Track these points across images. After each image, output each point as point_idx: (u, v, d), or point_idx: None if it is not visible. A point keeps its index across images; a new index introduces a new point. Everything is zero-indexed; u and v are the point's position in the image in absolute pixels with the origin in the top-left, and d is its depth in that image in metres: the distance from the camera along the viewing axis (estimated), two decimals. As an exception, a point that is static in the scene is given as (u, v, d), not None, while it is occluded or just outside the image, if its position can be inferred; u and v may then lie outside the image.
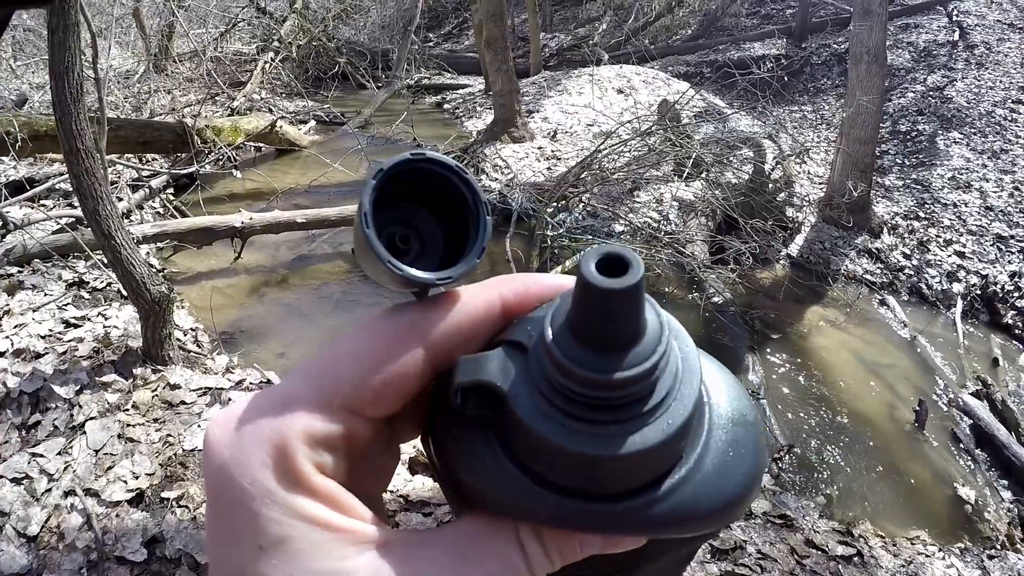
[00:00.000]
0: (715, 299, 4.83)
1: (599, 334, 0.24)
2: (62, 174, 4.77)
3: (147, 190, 5.25)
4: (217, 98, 8.20)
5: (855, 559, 2.66)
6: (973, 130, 7.54)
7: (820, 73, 9.90)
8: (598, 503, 0.25)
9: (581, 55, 11.58)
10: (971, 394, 4.12)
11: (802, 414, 3.88)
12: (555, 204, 5.63)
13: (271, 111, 8.33)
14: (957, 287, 5.58)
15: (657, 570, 0.31)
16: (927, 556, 2.75)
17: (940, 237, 6.15)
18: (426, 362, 0.28)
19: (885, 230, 6.22)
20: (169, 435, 2.62)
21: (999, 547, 2.98)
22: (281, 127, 7.01)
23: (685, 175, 5.99)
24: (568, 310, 0.25)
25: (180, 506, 2.31)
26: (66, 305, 3.44)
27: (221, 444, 0.27)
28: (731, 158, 6.54)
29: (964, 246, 6.02)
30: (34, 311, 3.33)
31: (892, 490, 3.37)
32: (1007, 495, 3.46)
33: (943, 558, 2.74)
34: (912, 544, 2.83)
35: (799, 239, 6.16)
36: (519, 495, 0.26)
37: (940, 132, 7.62)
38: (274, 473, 0.26)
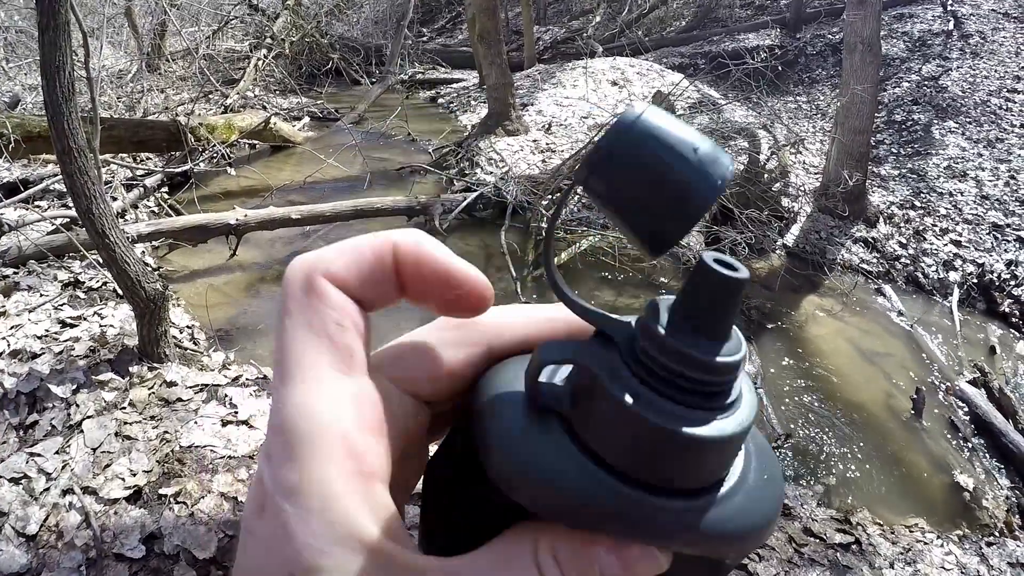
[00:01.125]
0: (711, 290, 4.83)
1: (712, 322, 0.25)
2: (56, 175, 4.76)
3: (141, 189, 5.24)
4: (211, 96, 8.19)
5: (853, 547, 2.67)
6: (968, 119, 7.54)
7: (815, 63, 9.88)
8: (662, 497, 0.25)
9: (575, 48, 11.57)
10: (968, 382, 4.13)
11: (799, 403, 3.89)
12: (550, 196, 5.63)
13: (265, 108, 8.30)
14: (953, 276, 5.59)
15: None
16: (925, 543, 2.76)
17: (936, 226, 6.15)
18: (487, 351, 0.30)
19: (881, 219, 6.23)
20: (166, 432, 2.62)
21: (997, 534, 2.99)
22: (275, 124, 6.99)
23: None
24: (673, 305, 0.26)
25: (178, 502, 2.31)
26: (62, 305, 3.44)
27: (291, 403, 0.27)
28: (726, 149, 6.52)
29: (960, 235, 6.02)
30: (30, 312, 3.33)
31: (890, 478, 3.38)
32: (1005, 482, 3.47)
33: (941, 545, 2.76)
34: (910, 532, 2.85)
35: (795, 229, 6.17)
36: (588, 486, 0.25)
37: (935, 121, 7.62)
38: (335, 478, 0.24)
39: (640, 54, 10.10)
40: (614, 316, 0.28)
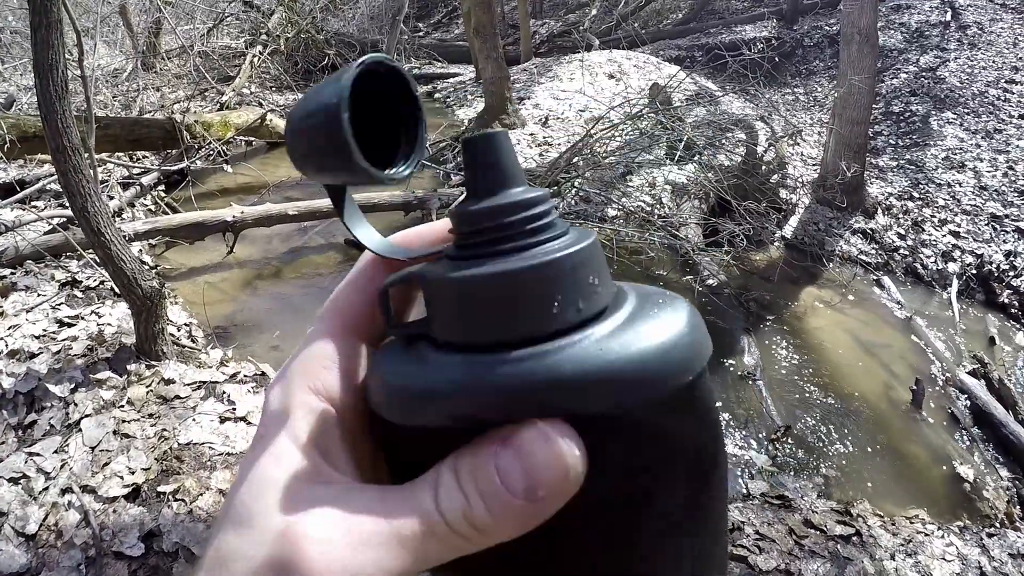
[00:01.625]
0: (710, 281, 4.83)
1: (489, 179, 0.27)
2: (52, 175, 4.75)
3: (138, 187, 5.23)
4: (206, 93, 8.17)
5: (854, 538, 2.67)
6: (966, 110, 7.53)
7: (812, 55, 9.86)
8: (512, 349, 0.24)
9: (572, 41, 11.54)
10: (968, 373, 4.13)
11: (799, 395, 3.89)
12: (547, 190, 5.62)
13: (261, 105, 8.28)
14: (952, 267, 5.59)
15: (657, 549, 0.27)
16: (926, 535, 2.76)
17: (935, 217, 6.15)
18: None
19: (879, 211, 6.22)
20: (164, 430, 2.62)
21: (998, 525, 2.99)
22: (271, 120, 6.97)
23: (677, 158, 5.98)
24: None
25: (176, 500, 2.31)
26: (59, 305, 3.43)
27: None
28: (723, 140, 6.53)
29: (959, 226, 6.02)
30: (27, 312, 3.32)
31: (890, 470, 3.38)
32: (1005, 473, 3.47)
33: (942, 536, 2.75)
34: (911, 523, 2.84)
35: (793, 220, 6.16)
36: (437, 372, 0.25)
37: (933, 113, 7.61)
38: (283, 388, 0.29)
39: (637, 47, 10.07)
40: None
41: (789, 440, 3.49)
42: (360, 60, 0.26)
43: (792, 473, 3.24)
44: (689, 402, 0.26)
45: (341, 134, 0.25)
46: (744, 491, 2.99)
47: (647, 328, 0.25)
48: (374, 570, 0.23)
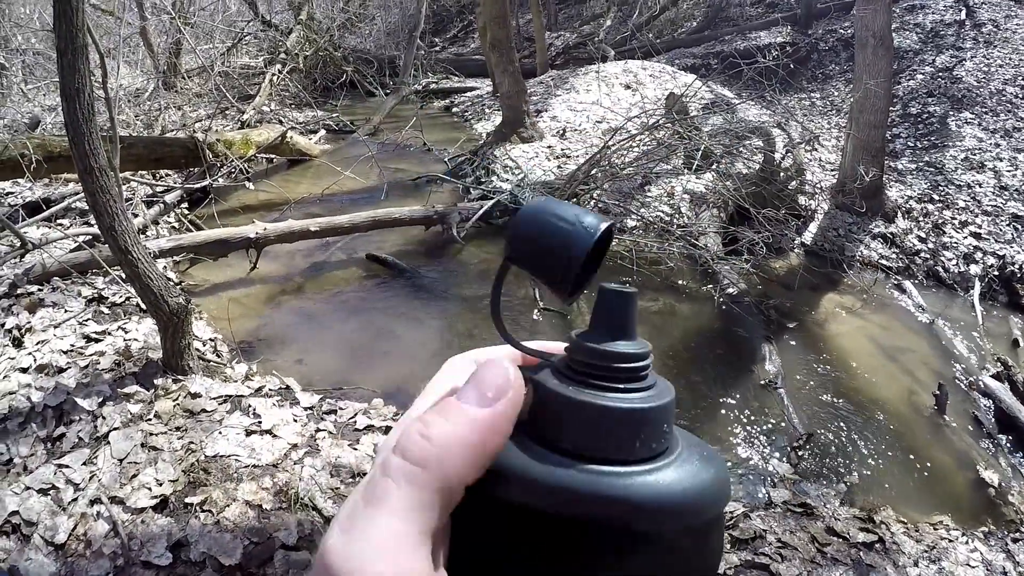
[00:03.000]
0: (730, 290, 4.82)
1: (613, 326, 0.34)
2: (77, 193, 4.85)
3: (162, 205, 5.33)
4: (227, 112, 8.30)
5: (877, 545, 2.65)
6: (984, 109, 7.45)
7: (827, 59, 9.81)
8: (600, 464, 0.30)
9: (587, 53, 11.60)
10: (992, 376, 4.07)
11: (821, 402, 3.86)
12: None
13: (281, 122, 8.41)
14: (974, 269, 5.52)
15: None
16: (950, 541, 2.73)
17: (955, 219, 6.08)
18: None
19: (899, 214, 6.17)
20: (191, 442, 2.66)
21: (1023, 530, 2.94)
22: (291, 138, 7.08)
23: (695, 167, 5.98)
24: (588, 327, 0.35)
25: (204, 510, 2.35)
26: (86, 320, 3.51)
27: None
28: (741, 148, 6.52)
29: (980, 227, 5.95)
30: (55, 327, 3.40)
31: (913, 475, 3.35)
32: (1031, 477, 3.43)
33: (967, 542, 2.72)
34: (935, 529, 2.81)
35: (812, 227, 6.13)
36: (541, 465, 0.30)
37: (951, 113, 7.53)
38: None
39: (652, 56, 10.10)
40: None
41: (811, 447, 3.46)
42: (607, 224, 0.33)
43: (814, 480, 3.21)
44: (711, 530, 0.32)
45: (569, 275, 0.33)
46: (766, 499, 2.97)
47: (696, 471, 0.32)
48: None
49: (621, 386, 0.33)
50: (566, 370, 0.34)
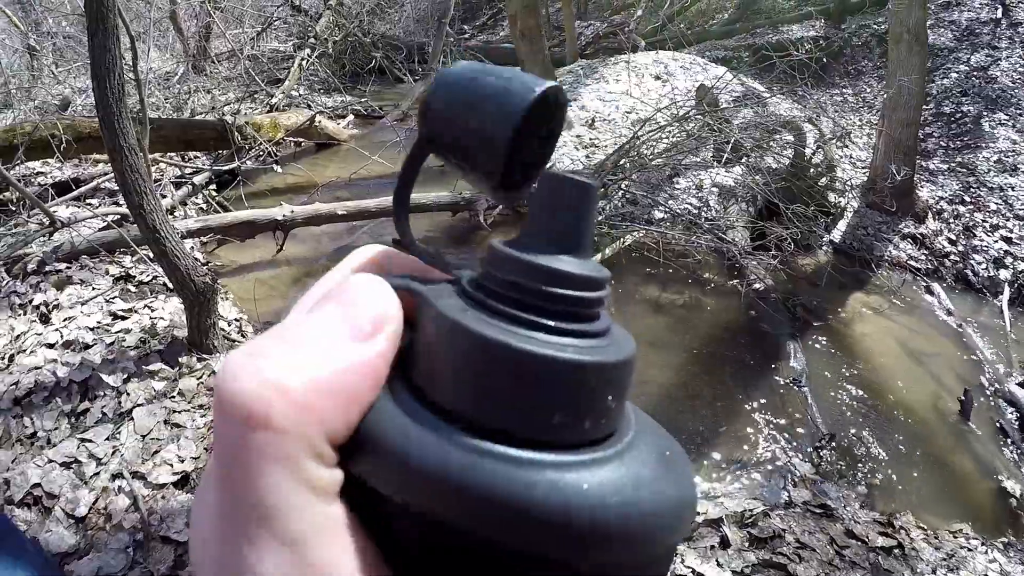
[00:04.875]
0: (756, 286, 4.77)
1: (554, 228, 0.23)
2: (107, 174, 4.92)
3: (190, 187, 5.39)
4: (256, 96, 8.35)
5: (895, 551, 2.62)
6: (1019, 111, 7.24)
7: (860, 54, 9.61)
8: (513, 447, 0.20)
9: (617, 42, 11.48)
10: (1018, 384, 3.99)
11: (844, 403, 3.81)
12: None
13: (309, 107, 8.44)
14: (1004, 274, 5.40)
15: None
16: (969, 550, 2.69)
17: (986, 222, 5.95)
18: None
19: (930, 215, 6.04)
20: (214, 420, 2.69)
21: (1044, 542, 2.89)
22: (320, 122, 7.10)
23: (724, 160, 5.91)
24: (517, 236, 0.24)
25: (223, 489, 2.38)
26: (113, 298, 3.56)
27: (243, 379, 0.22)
28: (771, 143, 6.43)
29: (1011, 231, 5.81)
30: (82, 304, 3.46)
31: (935, 482, 3.29)
32: (1054, 489, 3.35)
33: (986, 552, 2.68)
34: (954, 537, 2.77)
35: (842, 225, 6.03)
36: (401, 430, 0.21)
37: (985, 113, 7.34)
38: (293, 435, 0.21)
39: (683, 48, 9.97)
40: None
41: (833, 448, 3.42)
42: (549, 84, 0.24)
43: (835, 482, 3.18)
44: (666, 557, 0.22)
45: (498, 150, 0.23)
46: (786, 499, 2.95)
47: (652, 476, 0.21)
48: None
49: (553, 323, 0.21)
50: (475, 289, 0.23)
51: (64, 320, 3.30)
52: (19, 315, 3.35)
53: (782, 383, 3.88)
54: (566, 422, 0.21)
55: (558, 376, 0.20)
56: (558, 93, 0.25)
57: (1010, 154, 6.69)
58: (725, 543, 2.55)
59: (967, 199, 6.27)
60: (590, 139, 7.14)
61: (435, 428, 0.20)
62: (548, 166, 0.26)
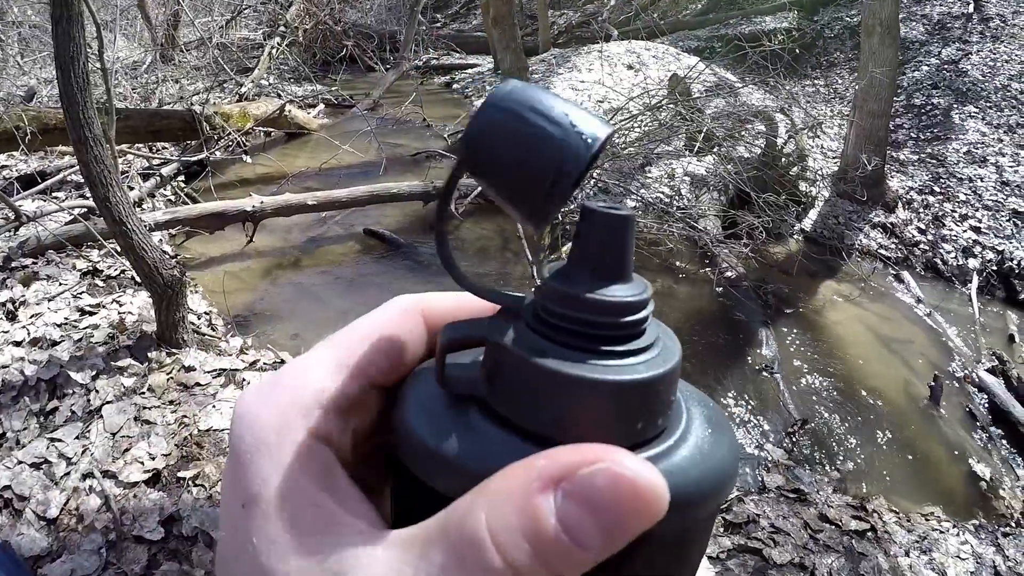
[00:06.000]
0: (728, 274, 4.81)
1: (601, 260, 0.25)
2: (73, 166, 4.79)
3: (158, 178, 5.28)
4: (225, 85, 8.21)
5: (868, 534, 2.67)
6: (989, 104, 7.40)
7: (833, 46, 9.73)
8: None
9: (590, 32, 11.46)
10: (987, 370, 4.08)
11: (817, 389, 3.87)
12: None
13: (279, 96, 8.32)
14: (973, 263, 5.52)
15: None
16: (941, 532, 2.75)
17: (955, 212, 6.07)
18: (426, 334, 0.30)
19: (900, 205, 6.15)
20: (184, 416, 2.65)
21: (1014, 524, 2.96)
22: (290, 111, 7.00)
23: (696, 149, 5.94)
24: (561, 264, 0.26)
25: (196, 485, 2.35)
26: (81, 293, 3.48)
27: (243, 401, 0.27)
28: (743, 132, 6.48)
29: (980, 221, 5.94)
30: (49, 300, 3.37)
31: (907, 466, 3.36)
32: (1022, 472, 3.44)
33: (957, 534, 2.74)
34: (926, 520, 2.83)
35: (813, 214, 6.12)
36: (501, 456, 0.23)
37: (955, 106, 7.48)
38: (273, 426, 0.25)
39: (656, 37, 9.99)
40: (513, 292, 0.28)
41: (806, 434, 3.47)
42: (609, 130, 0.24)
43: (808, 467, 3.23)
44: (716, 515, 0.27)
45: (552, 200, 0.24)
46: (760, 484, 2.99)
47: (710, 448, 0.26)
48: None
49: (622, 348, 0.25)
50: (536, 323, 0.25)
51: (31, 317, 3.21)
52: (-15, 313, 3.26)
53: (755, 370, 3.93)
54: (648, 425, 0.25)
55: (640, 392, 0.24)
56: (612, 136, 0.25)
57: (979, 146, 6.83)
58: (701, 529, 2.56)
59: (937, 189, 6.39)
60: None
61: (517, 449, 0.24)
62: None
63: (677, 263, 4.95)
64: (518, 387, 0.25)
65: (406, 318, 0.30)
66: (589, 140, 0.24)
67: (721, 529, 2.59)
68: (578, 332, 0.24)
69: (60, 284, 3.55)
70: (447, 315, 0.30)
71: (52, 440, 2.48)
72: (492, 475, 0.22)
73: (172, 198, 5.29)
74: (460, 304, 0.31)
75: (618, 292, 0.25)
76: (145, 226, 2.88)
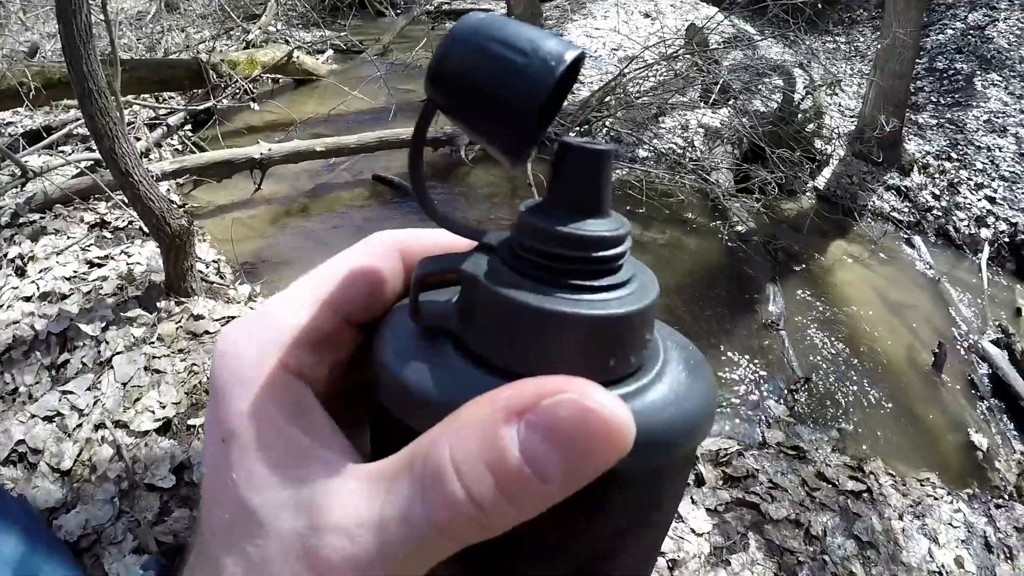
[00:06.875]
0: (738, 228, 4.78)
1: (577, 195, 0.25)
2: (78, 119, 4.76)
3: (165, 128, 5.24)
4: (232, 32, 8.06)
5: (864, 495, 2.70)
6: (1013, 74, 7.15)
7: (856, 3, 9.41)
8: None
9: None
10: (991, 342, 4.06)
11: (821, 347, 3.87)
12: (578, 128, 5.51)
13: (287, 42, 8.16)
14: (985, 232, 5.44)
15: (634, 555, 0.27)
16: (935, 499, 2.77)
17: (971, 180, 5.95)
18: (404, 271, 0.31)
19: (915, 168, 6.04)
20: (194, 364, 2.69)
21: (1007, 496, 2.98)
22: (298, 57, 6.88)
23: (712, 101, 5.83)
24: (542, 199, 0.26)
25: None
26: (89, 246, 3.50)
27: (223, 338, 0.28)
28: (760, 86, 6.35)
29: (995, 191, 5.82)
30: (57, 254, 3.39)
31: (905, 430, 3.39)
32: (1019, 446, 3.45)
33: (951, 502, 2.76)
34: (921, 485, 2.86)
35: (827, 172, 6.02)
36: (471, 391, 0.23)
37: (978, 73, 7.24)
38: (251, 362, 0.26)
39: (673, -14, 9.70)
40: (492, 230, 0.28)
41: (808, 392, 3.49)
42: (575, 53, 0.24)
43: (809, 425, 3.26)
44: (693, 456, 0.27)
45: (522, 130, 0.24)
46: (760, 439, 3.03)
47: (686, 386, 0.26)
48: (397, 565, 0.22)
49: (595, 283, 0.24)
50: (510, 258, 0.25)
51: (40, 272, 3.23)
52: (-6, 270, 3.29)
53: (761, 325, 3.93)
54: (620, 363, 0.24)
55: (613, 328, 0.24)
56: (580, 60, 0.25)
57: (1000, 115, 6.64)
58: (700, 481, 2.61)
59: (954, 156, 6.25)
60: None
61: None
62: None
63: (687, 215, 4.91)
64: (490, 322, 0.25)
65: (383, 254, 0.31)
66: (553, 63, 0.23)
67: (720, 482, 2.63)
68: (551, 267, 0.24)
69: (68, 237, 3.56)
70: (425, 252, 0.30)
71: (64, 393, 2.52)
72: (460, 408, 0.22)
73: (179, 148, 5.26)
74: (439, 241, 0.31)
75: (593, 227, 0.25)
76: (152, 176, 2.87)
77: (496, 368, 0.24)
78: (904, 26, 5.61)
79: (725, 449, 2.79)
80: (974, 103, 6.86)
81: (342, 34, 8.75)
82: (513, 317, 0.24)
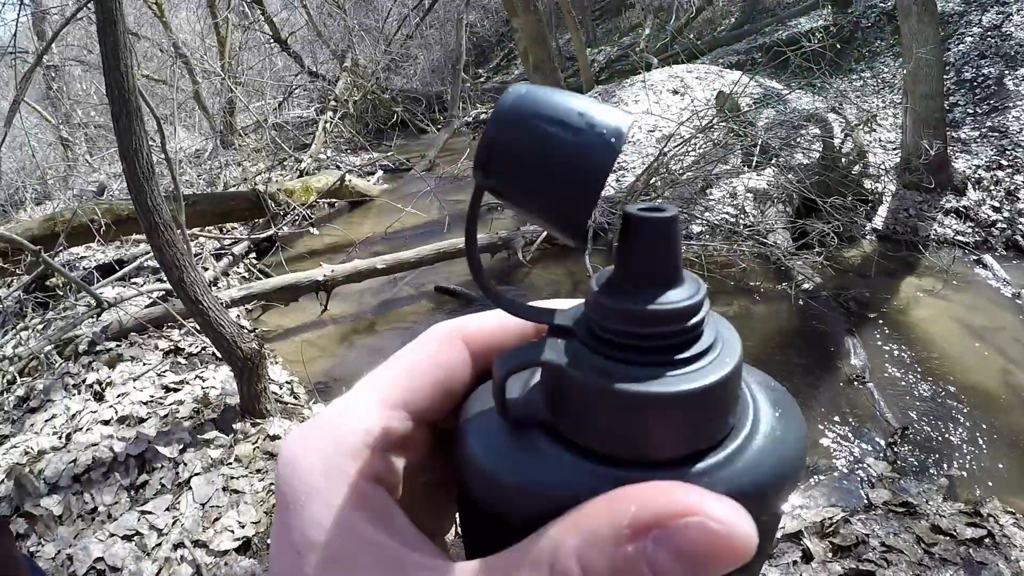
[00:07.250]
0: (805, 286, 4.66)
1: (652, 268, 0.24)
2: (148, 253, 5.09)
3: (230, 257, 5.54)
4: (285, 162, 8.60)
5: (986, 540, 2.47)
6: (1040, 64, 6.99)
7: (872, 35, 9.43)
8: (666, 471, 0.23)
9: (630, 64, 11.53)
10: (1093, 347, 3.77)
11: (912, 392, 3.65)
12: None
13: (338, 167, 8.64)
14: (1056, 232, 5.16)
15: None
16: (1065, 529, 2.52)
17: (1028, 183, 5.70)
18: (470, 361, 0.30)
19: (969, 185, 5.83)
20: (272, 484, 2.72)
21: None
22: (350, 181, 7.25)
23: (755, 164, 5.83)
24: (607, 274, 0.25)
25: (284, 549, 2.38)
26: (164, 372, 3.65)
27: (286, 448, 0.27)
28: (798, 139, 6.33)
29: (1055, 186, 5.56)
30: (134, 380, 3.55)
31: (1017, 462, 3.11)
32: None
33: (1083, 529, 2.51)
34: (1046, 517, 2.60)
35: (882, 210, 5.87)
36: (575, 481, 0.23)
37: (1007, 72, 7.07)
38: (322, 471, 0.25)
39: (696, 58, 9.96)
40: (559, 307, 0.27)
41: (907, 442, 3.27)
42: (630, 120, 0.24)
43: (914, 477, 3.03)
44: (785, 500, 0.26)
45: (581, 207, 0.23)
46: (865, 501, 2.83)
47: (779, 439, 0.25)
48: None
49: (680, 356, 0.24)
50: (591, 340, 0.24)
51: (118, 396, 3.39)
52: (73, 395, 3.46)
53: (845, 381, 3.75)
54: (720, 425, 0.24)
55: (712, 396, 0.23)
56: (631, 125, 0.24)
57: (1039, 110, 6.44)
58: (808, 557, 2.44)
59: (1004, 163, 6.01)
60: (618, 163, 7.13)
61: (584, 467, 0.23)
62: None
63: (752, 282, 4.82)
64: (585, 409, 0.24)
65: (447, 347, 0.30)
66: (612, 138, 0.22)
67: (830, 554, 2.46)
68: (639, 346, 0.24)
69: (144, 364, 3.73)
70: (488, 337, 0.30)
71: (143, 512, 2.58)
72: (573, 505, 0.22)
73: (246, 275, 5.52)
74: (500, 325, 0.31)
75: (674, 297, 0.24)
76: (221, 303, 3.01)
77: (594, 453, 0.24)
78: (923, 45, 5.57)
79: (829, 518, 2.62)
80: (1011, 104, 6.65)
81: (389, 154, 9.24)
82: (611, 404, 0.23)
